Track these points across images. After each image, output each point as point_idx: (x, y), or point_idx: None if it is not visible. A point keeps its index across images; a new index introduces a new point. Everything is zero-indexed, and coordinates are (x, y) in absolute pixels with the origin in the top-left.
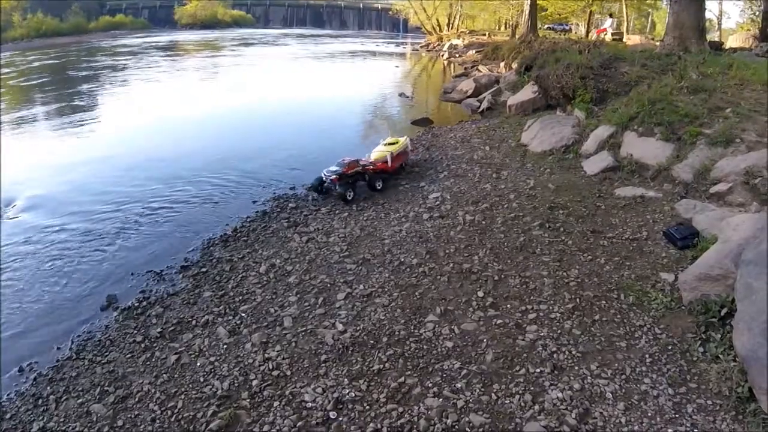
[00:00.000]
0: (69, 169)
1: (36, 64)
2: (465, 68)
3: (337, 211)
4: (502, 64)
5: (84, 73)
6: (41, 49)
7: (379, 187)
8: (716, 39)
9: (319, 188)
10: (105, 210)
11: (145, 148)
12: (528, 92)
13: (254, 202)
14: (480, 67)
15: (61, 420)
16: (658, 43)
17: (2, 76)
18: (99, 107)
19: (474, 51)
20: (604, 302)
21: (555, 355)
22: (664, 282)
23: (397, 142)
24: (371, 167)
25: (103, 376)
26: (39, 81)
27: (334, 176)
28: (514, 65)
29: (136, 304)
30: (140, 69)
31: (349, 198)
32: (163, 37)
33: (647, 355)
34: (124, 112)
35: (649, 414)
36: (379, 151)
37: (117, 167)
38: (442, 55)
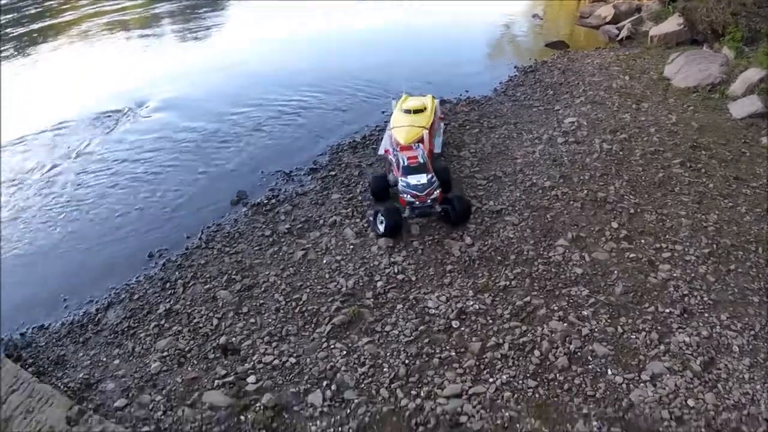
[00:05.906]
0: (199, 75)
1: None
2: None
3: (467, 126)
4: None
5: None
6: None
7: None
8: None
9: (399, 228)
10: (235, 112)
11: (273, 59)
12: (673, 24)
13: (383, 112)
14: None
15: (188, 303)
16: None
17: None
18: (227, 21)
19: None
20: (741, 253)
21: (686, 299)
22: None
23: (422, 108)
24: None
25: (231, 265)
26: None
27: (438, 191)
28: None
29: (265, 201)
30: None
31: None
32: None
33: None
34: (253, 27)
35: None
36: (406, 128)
37: (247, 75)
38: None
